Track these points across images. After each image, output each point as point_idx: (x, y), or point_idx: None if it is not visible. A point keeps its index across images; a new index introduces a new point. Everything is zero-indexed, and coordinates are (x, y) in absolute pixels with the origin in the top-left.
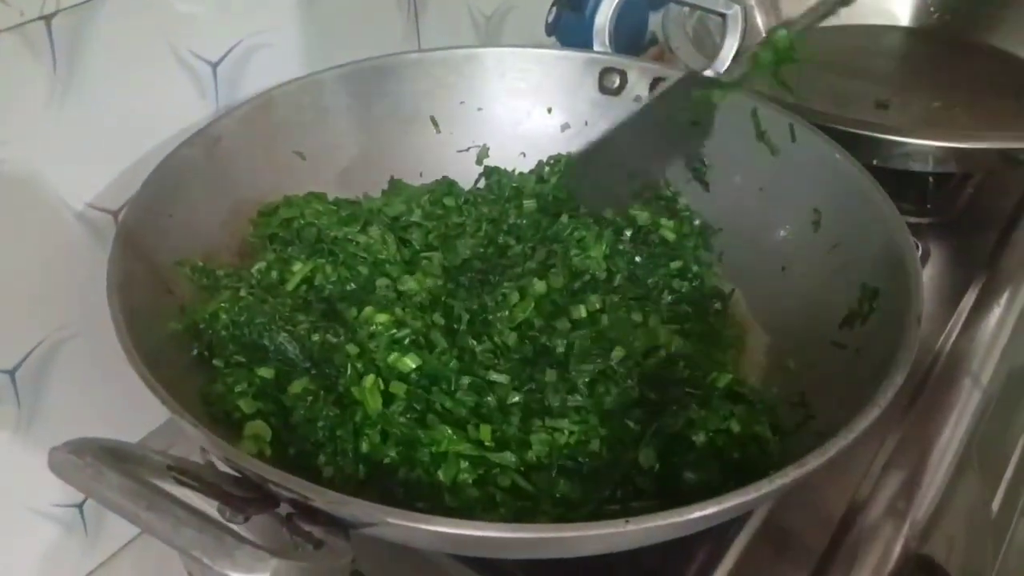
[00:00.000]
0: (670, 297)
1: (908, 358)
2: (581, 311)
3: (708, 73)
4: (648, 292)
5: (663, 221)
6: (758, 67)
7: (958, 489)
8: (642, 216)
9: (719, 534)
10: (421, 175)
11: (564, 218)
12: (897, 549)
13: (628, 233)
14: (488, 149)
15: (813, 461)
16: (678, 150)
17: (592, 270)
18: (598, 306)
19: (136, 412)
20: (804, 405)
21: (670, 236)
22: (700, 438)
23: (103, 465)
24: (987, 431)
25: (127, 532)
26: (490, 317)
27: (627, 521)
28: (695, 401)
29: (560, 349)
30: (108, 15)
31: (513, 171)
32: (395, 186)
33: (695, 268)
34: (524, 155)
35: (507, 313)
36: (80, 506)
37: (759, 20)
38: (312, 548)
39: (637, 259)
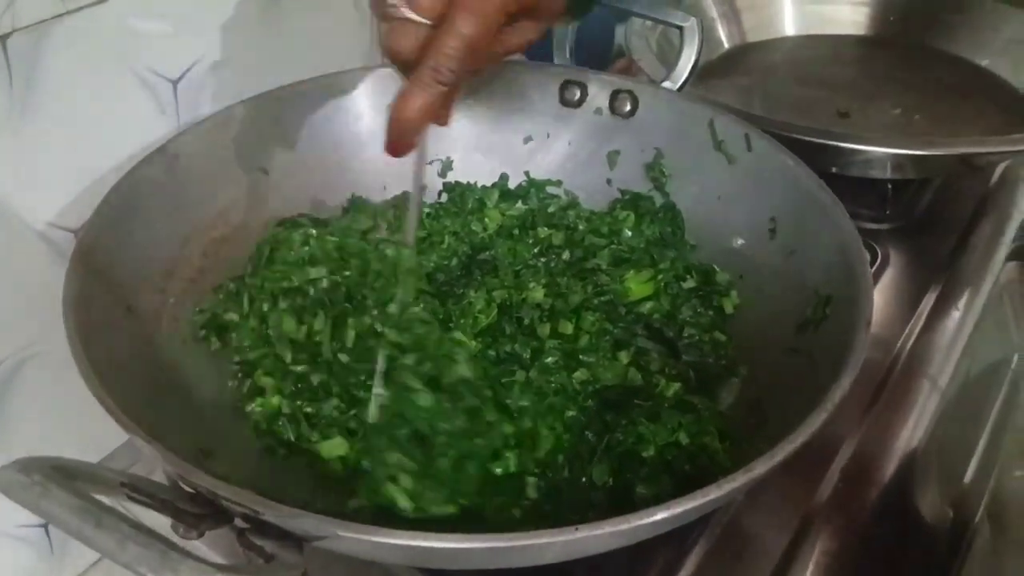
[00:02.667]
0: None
1: (856, 363)
2: (568, 327)
3: (667, 85)
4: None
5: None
6: None
7: (917, 493)
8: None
9: (679, 540)
10: (385, 188)
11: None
12: (856, 554)
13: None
14: (452, 162)
15: (760, 467)
16: None
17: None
18: (571, 331)
19: (102, 430)
20: (759, 411)
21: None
22: (650, 452)
23: (51, 483)
24: (946, 434)
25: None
26: (451, 325)
27: (577, 528)
28: (644, 415)
29: (526, 355)
30: (65, 34)
31: (475, 184)
32: (355, 203)
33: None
34: (487, 167)
35: (471, 320)
36: (46, 526)
37: (721, 33)
38: (263, 562)
39: None
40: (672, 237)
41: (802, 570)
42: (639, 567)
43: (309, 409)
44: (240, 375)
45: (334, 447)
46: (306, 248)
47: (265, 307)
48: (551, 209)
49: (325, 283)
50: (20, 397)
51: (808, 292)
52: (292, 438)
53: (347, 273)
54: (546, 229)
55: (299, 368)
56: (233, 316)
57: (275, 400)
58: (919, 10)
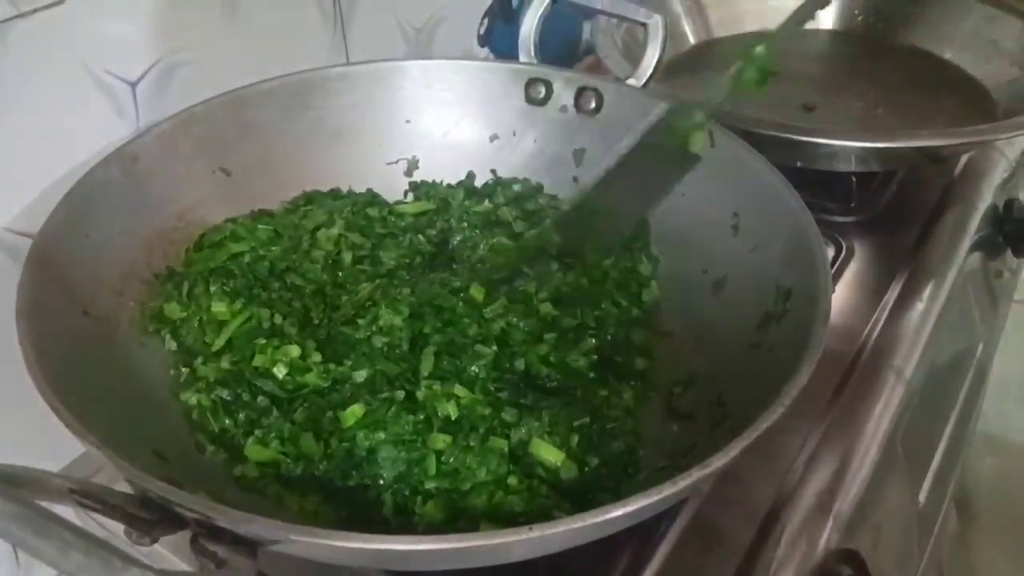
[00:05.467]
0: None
1: (813, 357)
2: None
3: (631, 81)
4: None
5: None
6: (745, 85)
7: (883, 481)
8: None
9: (647, 534)
10: (350, 189)
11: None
12: (822, 542)
13: None
14: (417, 161)
15: (716, 462)
16: (670, 182)
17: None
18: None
19: (68, 438)
20: (720, 405)
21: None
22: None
23: None
24: (912, 423)
25: None
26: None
27: (531, 528)
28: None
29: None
30: (19, 37)
31: (441, 182)
32: (311, 197)
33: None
34: (453, 166)
35: None
36: None
37: (687, 29)
38: (215, 567)
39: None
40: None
41: (769, 561)
42: (607, 561)
43: (228, 397)
44: (180, 365)
45: (259, 452)
46: (229, 226)
47: (198, 290)
48: (516, 187)
49: (247, 258)
50: None
51: (769, 286)
52: (217, 431)
53: (273, 248)
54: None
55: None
56: (175, 306)
57: (203, 388)
58: (884, 4)
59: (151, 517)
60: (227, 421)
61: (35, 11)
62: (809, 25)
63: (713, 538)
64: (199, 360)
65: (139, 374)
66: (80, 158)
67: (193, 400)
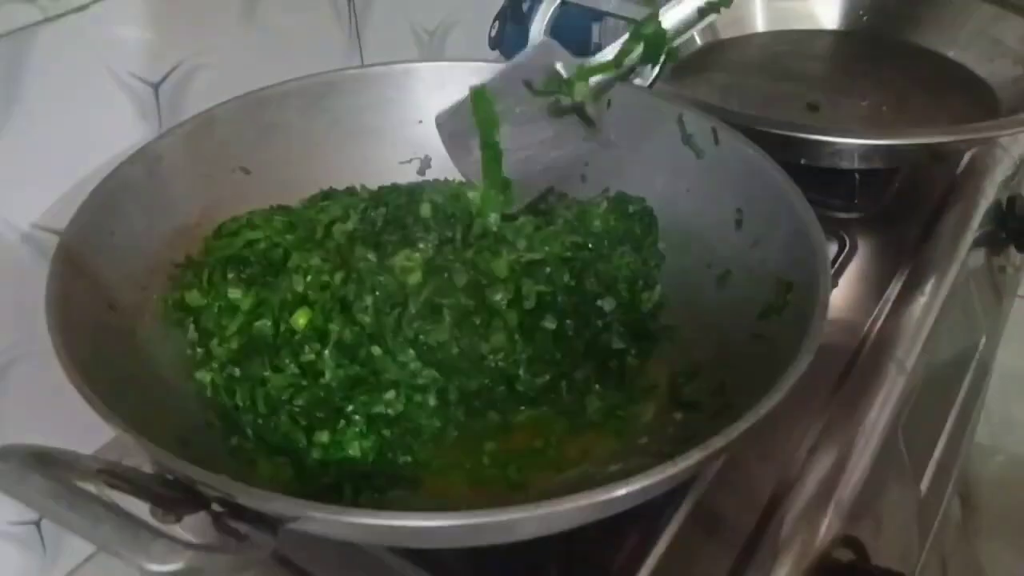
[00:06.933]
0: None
1: (813, 345)
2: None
3: (638, 82)
4: None
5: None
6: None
7: (885, 471)
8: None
9: (652, 519)
10: (362, 188)
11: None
12: (823, 529)
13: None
14: (430, 159)
15: (717, 442)
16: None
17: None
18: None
19: (94, 427)
20: (723, 394)
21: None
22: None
23: (27, 469)
24: (913, 415)
25: (87, 547)
26: None
27: (537, 505)
28: None
29: None
30: (45, 40)
31: (453, 180)
32: (328, 193)
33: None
34: None
35: None
36: (38, 523)
37: (694, 31)
38: (235, 543)
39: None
40: (641, 239)
41: (771, 546)
42: (614, 545)
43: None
44: (197, 346)
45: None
46: (246, 215)
47: (216, 277)
48: None
49: (263, 245)
50: (10, 397)
51: (771, 279)
52: (232, 405)
53: (288, 237)
54: None
55: (235, 343)
56: (195, 293)
57: (216, 368)
58: (888, 4)
59: (176, 496)
60: (238, 399)
61: (61, 16)
62: (813, 26)
63: (716, 524)
64: (215, 341)
65: (161, 365)
66: (104, 158)
67: (207, 379)
